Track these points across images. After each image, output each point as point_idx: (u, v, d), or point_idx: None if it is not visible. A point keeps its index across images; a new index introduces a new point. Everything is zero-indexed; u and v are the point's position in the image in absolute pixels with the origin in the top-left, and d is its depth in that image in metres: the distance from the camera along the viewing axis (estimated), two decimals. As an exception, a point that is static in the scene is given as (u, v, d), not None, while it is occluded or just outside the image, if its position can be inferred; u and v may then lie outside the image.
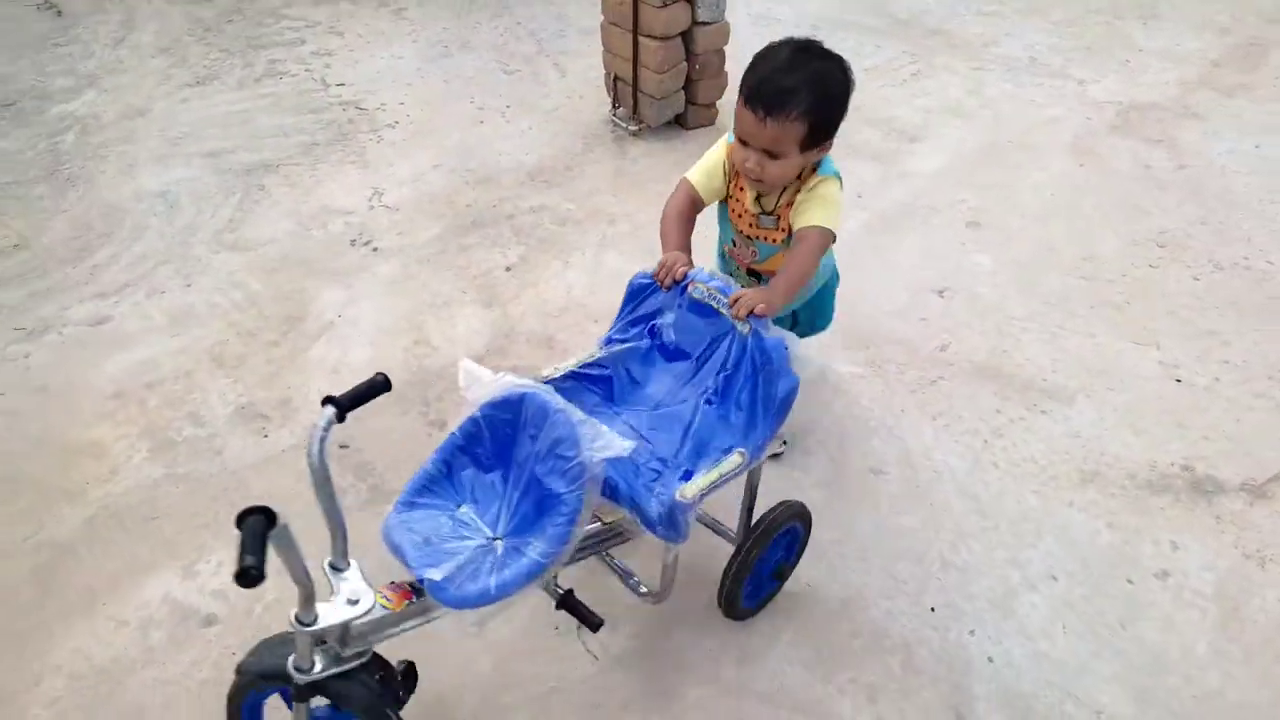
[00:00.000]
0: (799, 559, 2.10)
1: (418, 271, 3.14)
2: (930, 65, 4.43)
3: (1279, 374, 2.69)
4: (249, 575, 1.14)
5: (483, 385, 1.55)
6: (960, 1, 5.08)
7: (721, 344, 1.73)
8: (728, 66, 3.81)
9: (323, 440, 1.36)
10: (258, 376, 2.71)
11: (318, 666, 1.45)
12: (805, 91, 1.69)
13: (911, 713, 1.89)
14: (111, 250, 3.20)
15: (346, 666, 1.47)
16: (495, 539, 1.53)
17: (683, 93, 3.78)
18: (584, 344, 2.79)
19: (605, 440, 1.43)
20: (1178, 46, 4.54)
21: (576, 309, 2.96)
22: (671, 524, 1.55)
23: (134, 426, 2.55)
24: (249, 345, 2.82)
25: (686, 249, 1.90)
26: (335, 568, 1.46)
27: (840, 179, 1.89)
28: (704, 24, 3.61)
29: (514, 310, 2.96)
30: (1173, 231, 3.27)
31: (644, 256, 3.18)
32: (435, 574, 1.42)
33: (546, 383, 1.73)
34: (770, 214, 1.95)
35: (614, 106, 3.94)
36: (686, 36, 3.63)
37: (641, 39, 3.60)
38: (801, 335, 2.34)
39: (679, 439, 1.70)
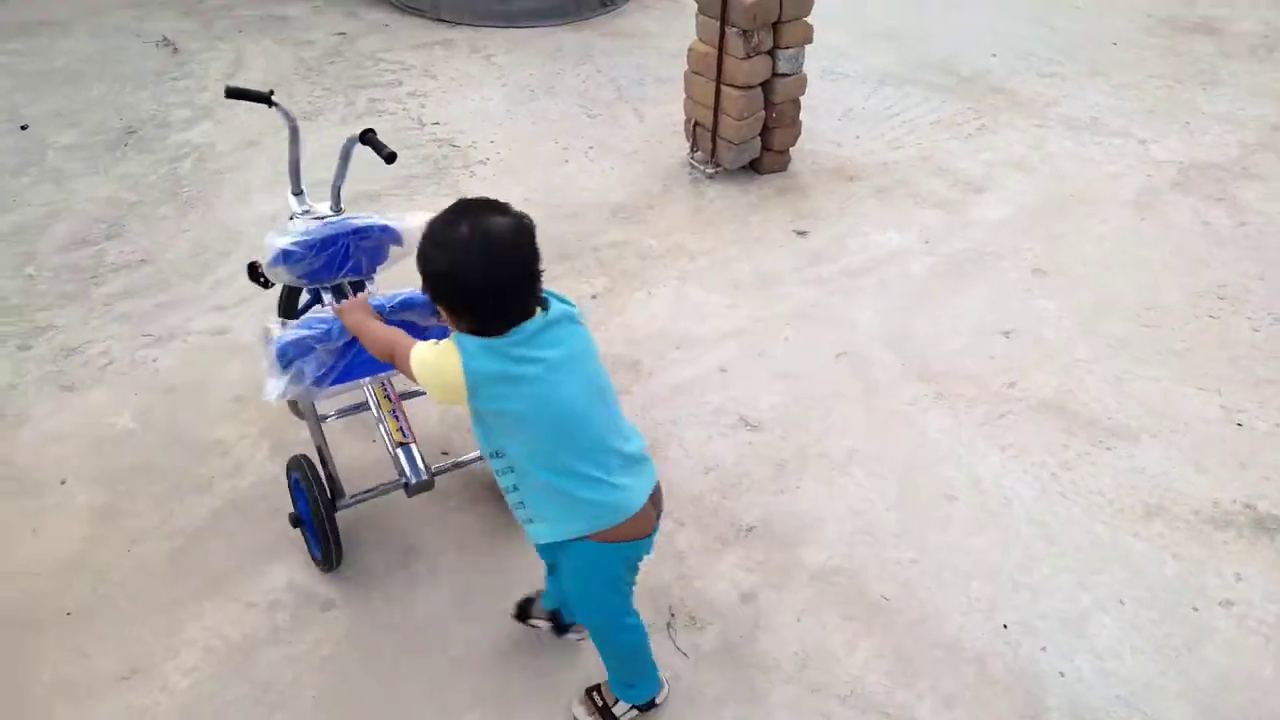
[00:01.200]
0: (317, 536, 2.25)
1: (510, 297, 3.35)
2: (994, 121, 4.61)
3: (1340, 423, 2.79)
4: (229, 90, 2.26)
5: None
6: (1022, 61, 5.27)
7: None
8: (801, 116, 4.02)
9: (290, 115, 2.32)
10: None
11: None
12: (422, 239, 1.60)
13: (986, 719, 2.01)
14: (229, 268, 3.46)
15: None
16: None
17: (758, 139, 3.99)
18: (666, 367, 3.01)
19: (272, 242, 2.22)
20: (1240, 111, 4.68)
21: (660, 336, 3.15)
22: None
23: (254, 427, 2.76)
24: (357, 358, 3.04)
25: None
26: (336, 209, 2.39)
27: (465, 363, 1.59)
28: (784, 75, 3.82)
29: (600, 335, 3.13)
30: (1232, 285, 3.39)
31: (725, 290, 3.37)
32: (280, 241, 2.24)
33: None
34: None
35: (692, 150, 4.16)
36: (766, 86, 3.85)
37: (724, 88, 3.83)
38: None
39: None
